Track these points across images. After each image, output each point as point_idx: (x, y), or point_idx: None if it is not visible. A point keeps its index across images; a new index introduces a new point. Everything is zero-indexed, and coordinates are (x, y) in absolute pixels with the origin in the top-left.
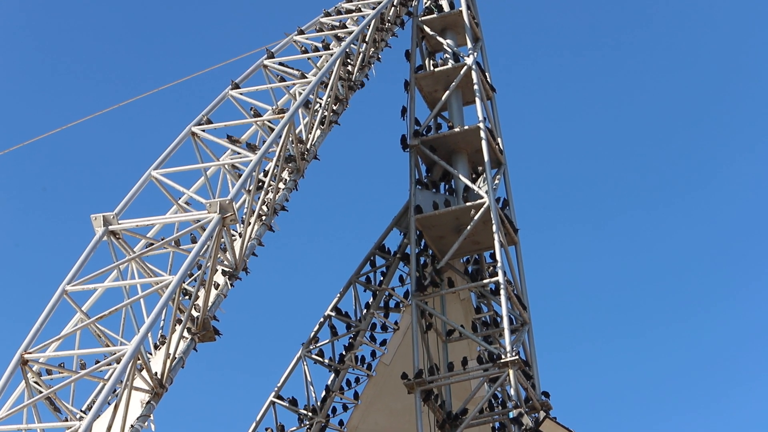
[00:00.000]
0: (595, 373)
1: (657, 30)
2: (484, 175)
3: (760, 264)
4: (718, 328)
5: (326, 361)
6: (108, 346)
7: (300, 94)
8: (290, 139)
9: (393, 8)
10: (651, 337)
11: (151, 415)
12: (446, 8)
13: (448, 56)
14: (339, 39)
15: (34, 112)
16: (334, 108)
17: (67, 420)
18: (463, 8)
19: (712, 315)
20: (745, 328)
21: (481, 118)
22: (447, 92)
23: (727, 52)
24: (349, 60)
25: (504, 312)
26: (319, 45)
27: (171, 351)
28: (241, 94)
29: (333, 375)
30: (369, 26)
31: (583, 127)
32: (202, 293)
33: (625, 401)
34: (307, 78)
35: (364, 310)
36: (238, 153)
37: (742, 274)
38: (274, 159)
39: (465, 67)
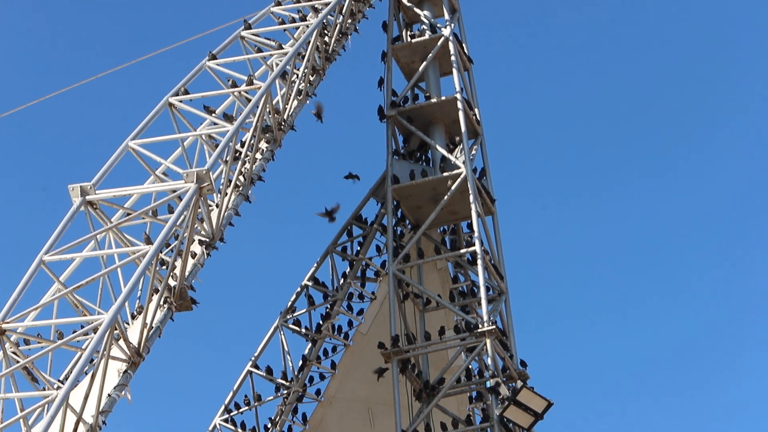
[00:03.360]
0: (573, 344)
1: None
2: (461, 146)
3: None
4: (705, 305)
5: (303, 330)
6: (85, 315)
7: (277, 65)
8: (267, 109)
9: None
10: (632, 311)
11: (128, 384)
12: None
13: (425, 27)
14: (316, 10)
15: (11, 84)
16: (311, 79)
17: (44, 389)
18: None
19: (699, 290)
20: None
21: (458, 89)
22: (424, 63)
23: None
24: (326, 31)
25: (481, 281)
26: (296, 16)
27: (148, 320)
28: (218, 65)
29: (310, 344)
30: None
31: (560, 98)
32: (179, 263)
33: (603, 373)
34: (284, 49)
35: (341, 280)
36: (216, 124)
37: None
38: (251, 129)
39: (442, 39)
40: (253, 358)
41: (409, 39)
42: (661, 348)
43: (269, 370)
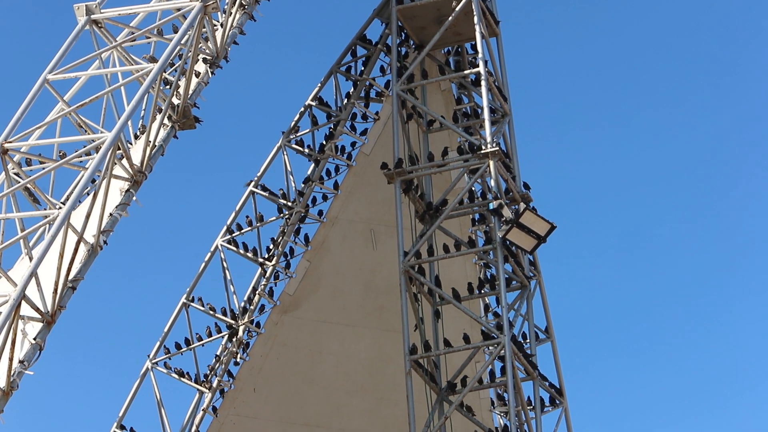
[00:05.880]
0: (577, 167)
1: None
2: None
3: None
4: (714, 124)
5: (306, 150)
6: (88, 134)
7: None
8: None
9: None
10: (638, 130)
11: (130, 203)
12: None
13: None
14: None
15: None
16: None
17: (46, 210)
18: None
19: (709, 102)
20: None
21: None
22: None
23: None
24: None
25: (484, 102)
26: None
27: (151, 138)
28: None
29: (313, 164)
30: None
31: None
32: (183, 82)
33: (608, 194)
34: None
35: (345, 100)
36: None
37: None
38: None
39: None
40: (255, 179)
41: None
42: (671, 163)
43: (272, 191)
